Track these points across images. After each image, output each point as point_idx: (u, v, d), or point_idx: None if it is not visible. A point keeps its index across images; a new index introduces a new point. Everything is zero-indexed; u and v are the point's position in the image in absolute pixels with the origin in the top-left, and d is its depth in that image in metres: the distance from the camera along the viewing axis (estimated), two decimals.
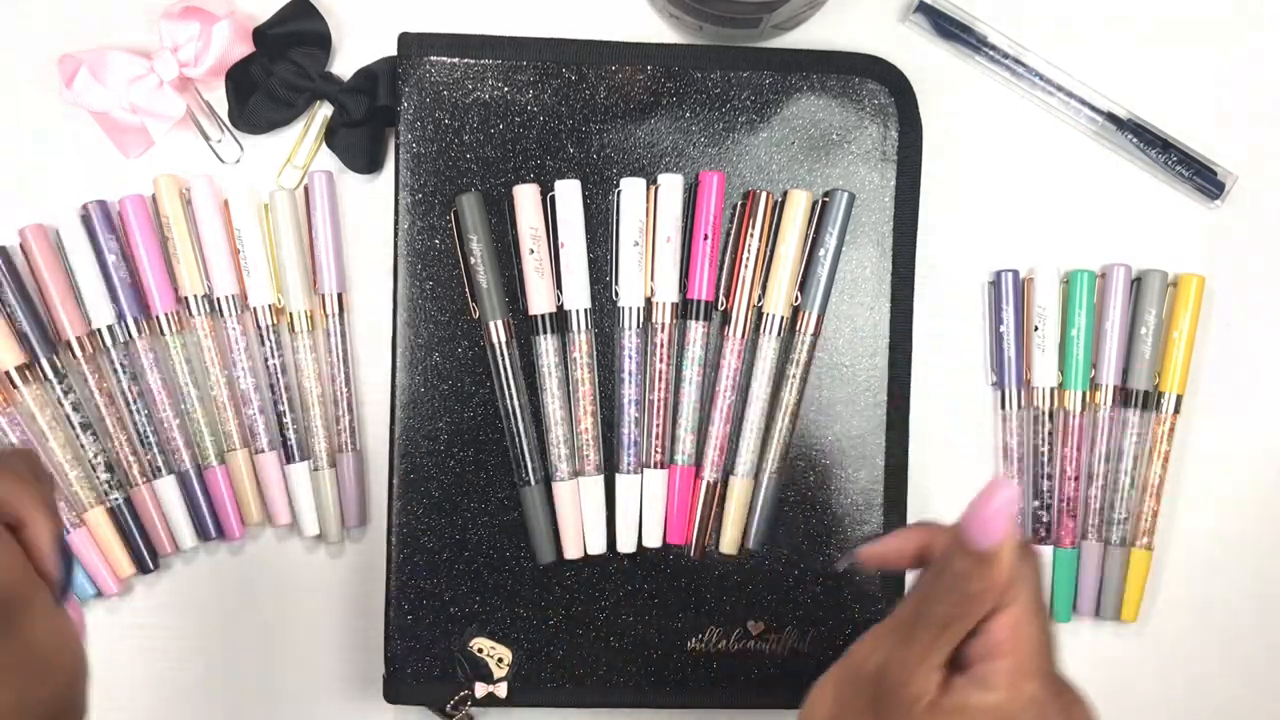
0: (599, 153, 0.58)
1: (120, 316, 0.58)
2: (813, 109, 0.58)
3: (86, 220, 0.58)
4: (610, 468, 0.58)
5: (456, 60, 0.57)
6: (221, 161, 0.60)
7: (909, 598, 0.40)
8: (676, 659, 0.58)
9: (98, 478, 0.59)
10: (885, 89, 0.58)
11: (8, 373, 0.57)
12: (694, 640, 0.58)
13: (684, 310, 0.58)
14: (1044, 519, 0.60)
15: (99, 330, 0.58)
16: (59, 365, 0.58)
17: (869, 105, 0.58)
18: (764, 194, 0.57)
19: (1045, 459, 0.60)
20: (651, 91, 0.58)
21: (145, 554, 0.59)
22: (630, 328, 0.57)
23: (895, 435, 0.59)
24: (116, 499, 0.59)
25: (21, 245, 0.58)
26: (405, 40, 0.57)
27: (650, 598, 0.58)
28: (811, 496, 0.58)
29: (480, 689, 0.58)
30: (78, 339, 0.58)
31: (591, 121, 0.58)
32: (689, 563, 0.58)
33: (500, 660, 0.58)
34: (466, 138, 0.57)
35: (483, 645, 0.58)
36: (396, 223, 0.57)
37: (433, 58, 0.57)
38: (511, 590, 0.58)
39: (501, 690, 0.58)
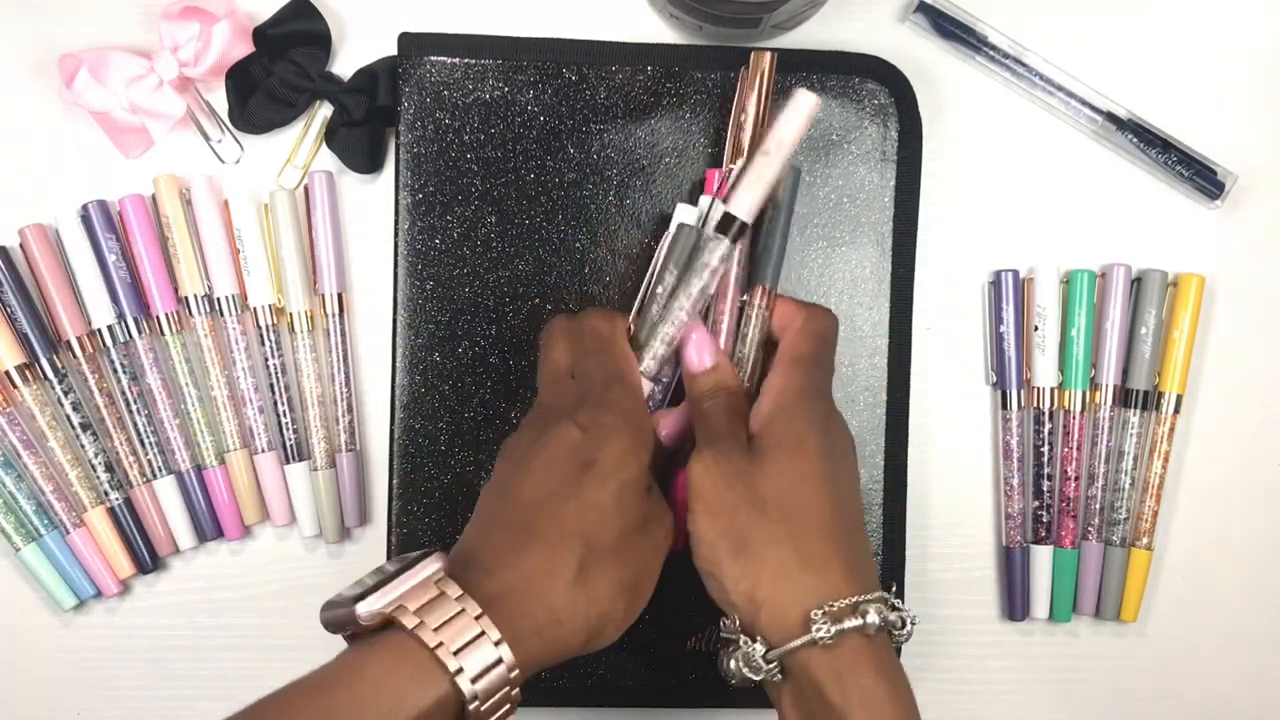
0: (599, 153, 0.58)
1: (120, 316, 0.58)
2: None
3: (86, 220, 0.58)
4: None
5: (456, 60, 0.57)
6: (221, 161, 0.60)
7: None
8: (677, 659, 0.58)
9: (98, 478, 0.59)
10: (885, 89, 0.58)
11: (7, 372, 0.57)
12: (694, 640, 0.58)
13: None
14: (1044, 519, 0.60)
15: (99, 330, 0.58)
16: (59, 365, 0.58)
17: (869, 105, 0.58)
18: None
19: (1045, 459, 0.60)
20: (651, 91, 0.58)
21: (145, 554, 0.59)
22: None
23: (894, 435, 0.59)
24: (116, 499, 0.59)
25: (21, 245, 0.58)
26: (405, 40, 0.57)
27: (653, 599, 0.58)
28: None
29: None
30: (78, 339, 0.58)
31: (591, 122, 0.58)
32: (689, 561, 0.58)
33: None
34: (467, 138, 0.57)
35: None
36: (396, 223, 0.57)
37: (433, 58, 0.57)
38: None
39: None
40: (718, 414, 0.52)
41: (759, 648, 0.47)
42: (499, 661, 0.43)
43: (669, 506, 0.51)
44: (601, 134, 0.58)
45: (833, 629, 0.45)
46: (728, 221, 0.52)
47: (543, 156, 0.58)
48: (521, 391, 0.58)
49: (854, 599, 0.46)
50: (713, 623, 0.57)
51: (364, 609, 0.43)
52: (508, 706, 0.44)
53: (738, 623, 0.48)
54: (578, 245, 0.58)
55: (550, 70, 0.57)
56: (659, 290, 0.53)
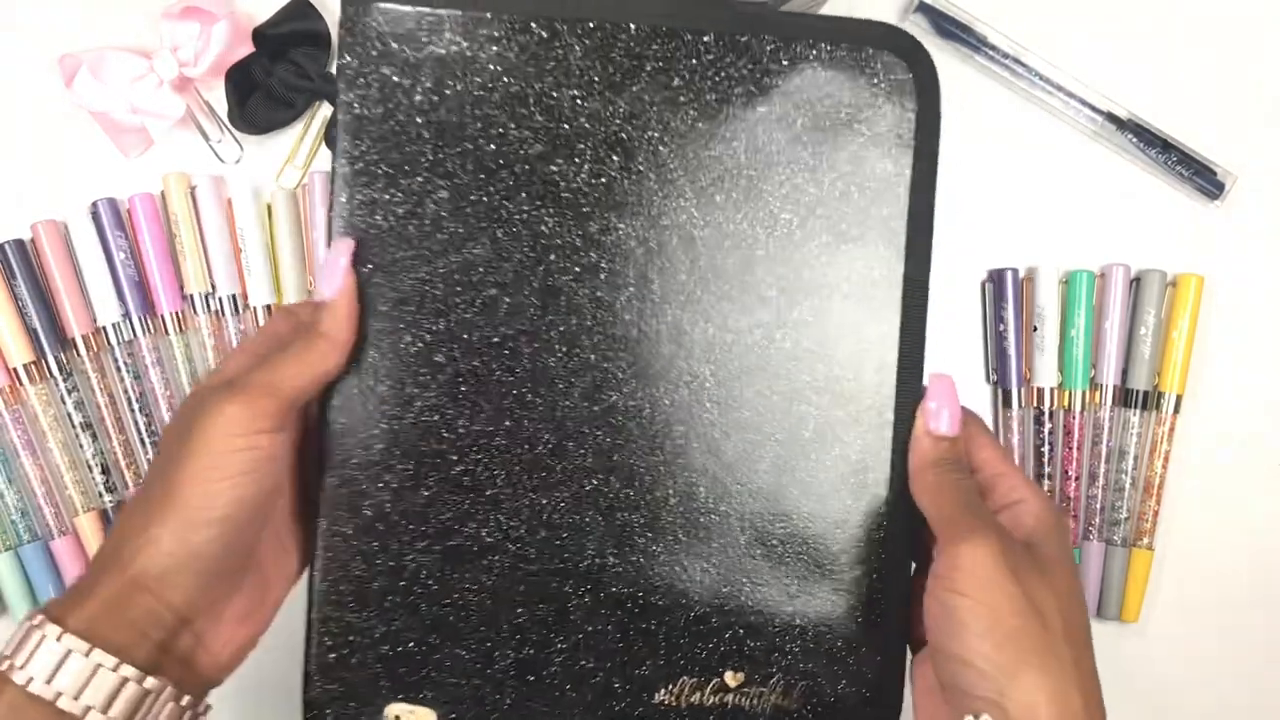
0: (571, 122, 0.50)
1: (126, 315, 0.58)
2: (819, 82, 0.50)
3: (96, 217, 0.58)
4: None
5: (408, 9, 0.49)
6: (221, 161, 0.60)
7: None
8: (642, 714, 0.50)
9: (93, 479, 0.58)
10: (903, 63, 0.50)
11: (15, 370, 0.57)
12: (663, 692, 0.50)
13: None
14: None
15: (104, 328, 0.58)
16: (64, 363, 0.58)
17: (884, 81, 0.50)
18: None
19: (1046, 459, 0.60)
20: (633, 54, 0.50)
21: None
22: None
23: (902, 461, 0.50)
24: (110, 502, 0.59)
25: (33, 240, 0.58)
26: None
27: (614, 641, 0.50)
28: (804, 529, 0.50)
29: None
30: (84, 336, 0.58)
31: (563, 86, 0.49)
32: (659, 602, 0.50)
33: None
34: (417, 99, 0.49)
35: (400, 713, 0.50)
36: (332, 195, 0.48)
37: (380, 4, 0.48)
38: (453, 628, 0.50)
39: None
40: (972, 494, 0.47)
41: None
42: (69, 653, 0.40)
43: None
44: (574, 100, 0.49)
45: None
46: None
47: (505, 124, 0.49)
48: (473, 397, 0.49)
49: None
50: (685, 673, 0.51)
51: None
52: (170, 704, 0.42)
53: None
54: (542, 228, 0.49)
55: (517, 25, 0.49)
56: None
